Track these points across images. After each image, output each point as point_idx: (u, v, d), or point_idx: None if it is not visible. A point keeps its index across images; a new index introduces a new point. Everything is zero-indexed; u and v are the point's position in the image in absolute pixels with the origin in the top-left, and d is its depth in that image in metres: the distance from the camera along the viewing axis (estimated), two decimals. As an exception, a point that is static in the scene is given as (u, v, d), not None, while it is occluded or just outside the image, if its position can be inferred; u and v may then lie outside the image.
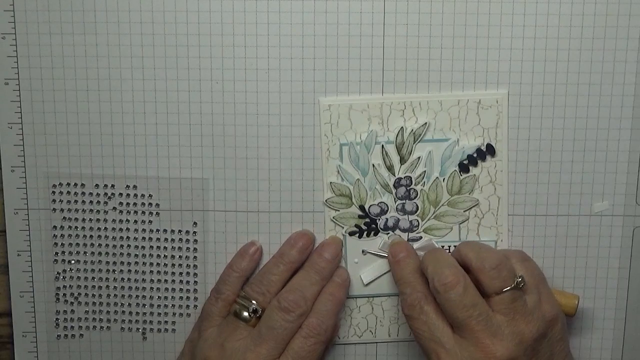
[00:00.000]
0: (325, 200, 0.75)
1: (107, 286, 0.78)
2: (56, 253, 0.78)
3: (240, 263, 0.76)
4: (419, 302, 0.70)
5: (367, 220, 0.76)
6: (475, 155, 0.74)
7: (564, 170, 0.75)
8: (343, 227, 0.76)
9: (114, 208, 0.77)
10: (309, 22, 0.73)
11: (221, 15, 0.73)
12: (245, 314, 0.73)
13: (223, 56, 0.74)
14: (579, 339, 0.78)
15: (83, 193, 0.77)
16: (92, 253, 0.78)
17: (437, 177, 0.74)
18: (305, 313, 0.73)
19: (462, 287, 0.68)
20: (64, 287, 0.78)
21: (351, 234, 0.76)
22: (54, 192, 0.76)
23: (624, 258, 0.77)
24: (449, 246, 0.76)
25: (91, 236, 0.78)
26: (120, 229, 0.77)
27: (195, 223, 0.77)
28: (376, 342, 0.79)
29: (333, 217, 0.76)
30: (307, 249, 0.76)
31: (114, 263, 0.78)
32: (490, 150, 0.74)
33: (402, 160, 0.74)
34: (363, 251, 0.77)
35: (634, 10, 0.72)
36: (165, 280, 0.78)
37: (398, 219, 0.76)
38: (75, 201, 0.77)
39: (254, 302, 0.74)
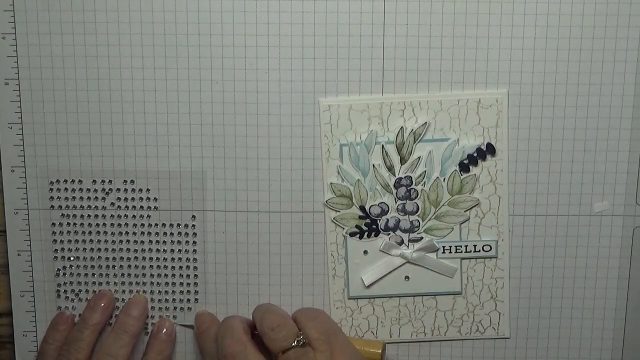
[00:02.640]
0: (326, 201, 0.75)
1: (108, 282, 0.78)
2: (55, 250, 0.78)
3: (53, 334, 0.77)
4: None
5: (368, 220, 0.76)
6: (475, 154, 0.74)
7: (564, 170, 0.75)
8: (344, 228, 0.76)
9: (112, 204, 0.77)
10: (309, 22, 0.73)
11: (221, 15, 0.73)
12: None
13: (223, 56, 0.74)
14: (578, 339, 0.78)
15: (81, 189, 0.77)
16: (92, 249, 0.78)
17: (437, 177, 0.75)
18: None
19: (243, 356, 0.69)
20: (64, 283, 0.78)
21: (352, 234, 0.76)
22: (51, 189, 0.77)
23: (624, 258, 0.77)
24: (450, 246, 0.76)
25: (90, 232, 0.78)
26: (119, 225, 0.77)
27: (194, 216, 0.77)
28: (376, 342, 0.79)
29: (333, 218, 0.76)
30: (108, 308, 0.78)
31: (114, 259, 0.78)
32: (491, 149, 0.74)
33: (403, 160, 0.74)
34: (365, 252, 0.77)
35: (634, 10, 0.72)
36: (165, 275, 0.78)
37: (399, 219, 0.76)
38: (74, 197, 0.77)
39: None
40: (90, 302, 0.77)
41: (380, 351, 0.75)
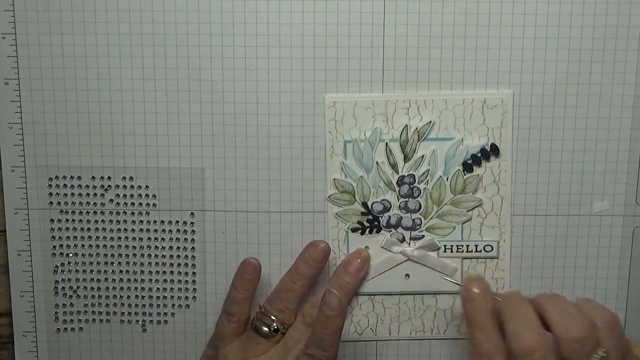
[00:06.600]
0: (329, 197, 0.75)
1: (106, 279, 0.78)
2: (54, 247, 0.78)
3: (242, 284, 0.76)
4: (491, 354, 0.65)
5: (370, 217, 0.76)
6: (479, 154, 0.74)
7: (564, 170, 0.75)
8: (346, 224, 0.76)
9: (111, 200, 0.77)
10: (309, 22, 0.73)
11: (221, 15, 0.73)
12: (265, 329, 0.74)
13: (223, 56, 0.74)
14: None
15: (80, 186, 0.77)
16: (90, 246, 0.78)
17: (440, 176, 0.75)
18: None
19: (540, 356, 0.62)
20: (63, 280, 0.78)
21: (353, 230, 0.76)
22: (50, 186, 0.76)
23: (624, 258, 0.77)
24: (451, 245, 0.76)
25: (89, 229, 0.78)
26: (118, 221, 0.77)
27: (192, 214, 0.77)
28: (376, 340, 0.79)
29: (336, 213, 0.76)
30: (322, 262, 0.75)
31: (112, 255, 0.78)
32: (495, 150, 0.74)
33: (406, 158, 0.74)
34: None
35: (634, 10, 0.72)
36: (164, 272, 0.78)
37: (401, 216, 0.76)
38: (72, 194, 0.77)
39: (273, 317, 0.74)
40: (303, 254, 0.76)
41: None
